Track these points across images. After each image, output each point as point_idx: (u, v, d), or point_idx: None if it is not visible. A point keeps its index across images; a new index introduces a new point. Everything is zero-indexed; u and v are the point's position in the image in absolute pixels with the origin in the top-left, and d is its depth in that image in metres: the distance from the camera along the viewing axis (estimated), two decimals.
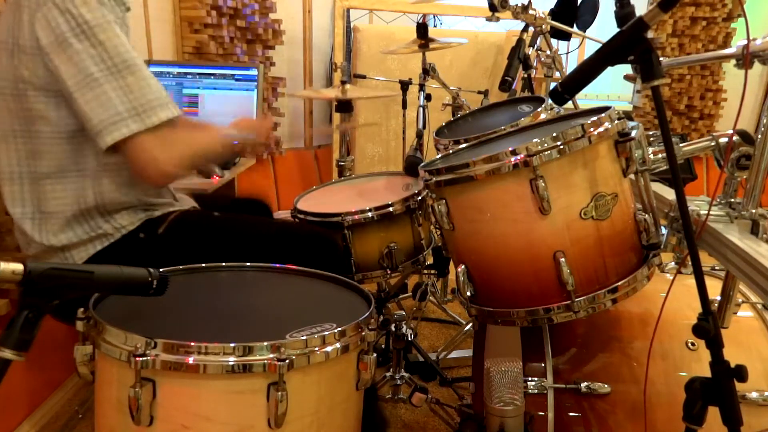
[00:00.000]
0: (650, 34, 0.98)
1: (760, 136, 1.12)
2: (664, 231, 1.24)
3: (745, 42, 1.13)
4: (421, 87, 2.75)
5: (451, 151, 1.52)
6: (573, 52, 3.71)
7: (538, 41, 2.10)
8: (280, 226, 1.71)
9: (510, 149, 1.12)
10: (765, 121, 1.10)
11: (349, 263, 1.71)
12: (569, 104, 1.54)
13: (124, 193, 1.42)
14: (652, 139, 1.26)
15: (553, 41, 2.16)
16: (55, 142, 1.33)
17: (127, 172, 1.40)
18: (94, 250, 1.41)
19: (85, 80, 1.25)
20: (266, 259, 1.37)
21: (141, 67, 1.30)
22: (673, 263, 1.48)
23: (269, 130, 1.63)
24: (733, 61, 1.18)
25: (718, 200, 1.22)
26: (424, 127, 2.58)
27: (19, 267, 0.82)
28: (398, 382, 1.90)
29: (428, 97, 2.74)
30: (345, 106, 2.33)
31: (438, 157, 1.49)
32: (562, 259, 1.13)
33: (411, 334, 1.81)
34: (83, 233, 1.40)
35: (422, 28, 2.61)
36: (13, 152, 1.36)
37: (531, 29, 2.09)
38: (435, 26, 4.15)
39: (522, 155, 1.11)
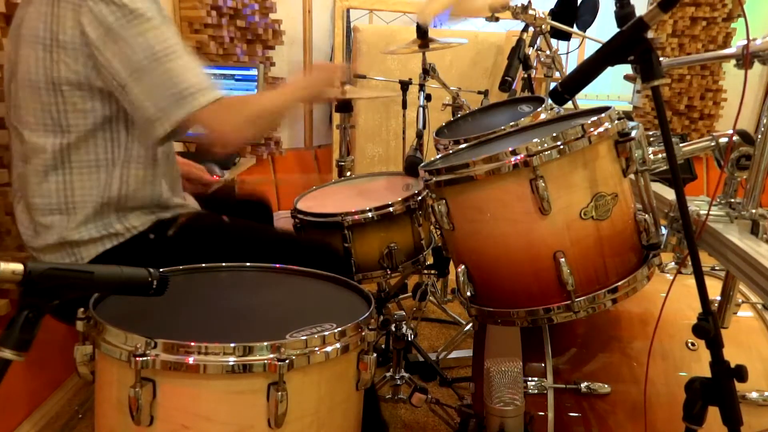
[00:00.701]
0: (650, 34, 0.98)
1: (760, 136, 1.12)
2: (664, 231, 1.24)
3: (745, 42, 1.13)
4: (421, 87, 2.75)
5: (451, 151, 1.52)
6: (573, 52, 3.71)
7: (538, 41, 2.10)
8: (288, 235, 1.73)
9: (510, 149, 1.12)
10: (765, 121, 1.10)
11: (349, 263, 1.71)
12: (569, 104, 1.54)
13: (148, 186, 1.43)
14: (652, 139, 1.26)
15: (553, 41, 2.17)
16: (90, 134, 1.34)
17: (153, 167, 1.43)
18: (103, 248, 1.41)
19: (134, 73, 1.26)
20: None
21: (183, 53, 1.29)
22: (673, 263, 1.48)
23: (341, 71, 1.64)
24: (733, 61, 1.18)
25: (718, 200, 1.22)
26: (424, 127, 2.58)
27: (19, 267, 0.82)
28: (398, 382, 1.90)
29: (428, 97, 2.74)
30: (345, 106, 2.33)
31: (438, 157, 1.49)
32: (562, 259, 1.13)
33: (411, 334, 1.81)
34: (95, 231, 1.40)
35: (422, 28, 2.61)
36: (47, 145, 1.35)
37: (531, 29, 2.09)
38: (435, 26, 4.15)
39: (522, 155, 1.11)
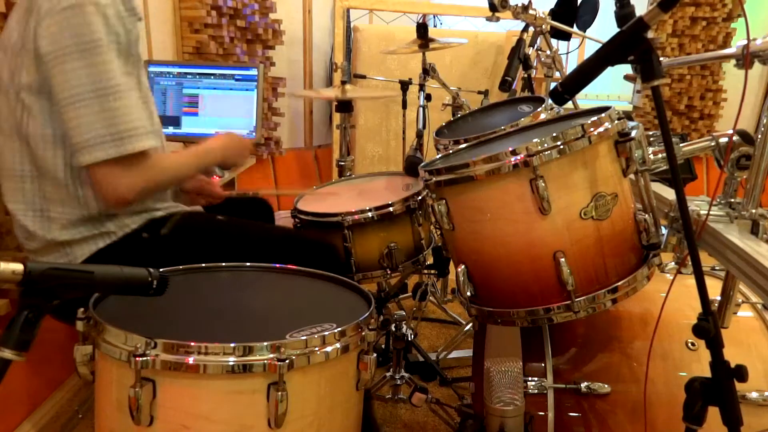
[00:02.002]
0: (650, 34, 0.98)
1: (760, 136, 1.12)
2: (664, 231, 1.24)
3: (745, 42, 1.13)
4: (421, 87, 2.75)
5: (451, 151, 1.52)
6: (573, 52, 3.71)
7: (538, 41, 2.10)
8: (284, 231, 1.73)
9: (510, 149, 1.12)
10: (765, 121, 1.10)
11: (349, 263, 1.71)
12: (569, 104, 1.54)
13: None
14: (652, 139, 1.26)
15: (553, 41, 2.16)
16: (49, 146, 1.33)
17: None
18: (96, 248, 1.41)
19: (72, 98, 1.26)
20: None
21: (129, 94, 1.30)
22: (673, 263, 1.48)
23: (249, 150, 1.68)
24: (733, 61, 1.18)
25: (718, 200, 1.22)
26: (424, 127, 2.58)
27: (19, 267, 0.82)
28: (398, 382, 1.90)
29: (428, 97, 2.74)
30: (345, 106, 2.33)
31: (438, 157, 1.49)
32: (562, 259, 1.13)
33: (411, 334, 1.81)
34: (86, 231, 1.40)
35: (422, 28, 2.61)
36: (15, 150, 1.36)
37: (531, 29, 2.09)
38: (435, 26, 4.16)
39: (522, 155, 1.11)
